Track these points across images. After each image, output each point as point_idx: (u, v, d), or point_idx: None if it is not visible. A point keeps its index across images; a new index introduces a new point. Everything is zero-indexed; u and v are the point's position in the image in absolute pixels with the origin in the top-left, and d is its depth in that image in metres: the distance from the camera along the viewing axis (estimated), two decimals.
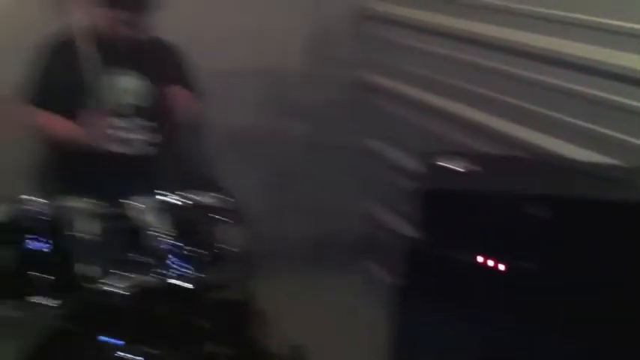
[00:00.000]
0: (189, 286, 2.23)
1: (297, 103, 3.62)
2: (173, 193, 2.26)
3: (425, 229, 2.43)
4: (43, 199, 2.10)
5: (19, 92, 2.75)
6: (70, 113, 2.75)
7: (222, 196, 2.35)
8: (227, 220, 2.38)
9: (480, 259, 2.27)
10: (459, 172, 2.43)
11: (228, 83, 3.38)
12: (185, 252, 2.20)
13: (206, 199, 2.34)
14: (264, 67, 3.50)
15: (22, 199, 2.11)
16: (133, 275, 2.14)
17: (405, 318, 2.49)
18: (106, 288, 2.08)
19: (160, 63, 2.88)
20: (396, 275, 3.35)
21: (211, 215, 2.32)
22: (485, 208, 2.36)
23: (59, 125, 2.75)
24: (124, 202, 2.23)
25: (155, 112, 2.88)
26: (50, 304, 2.02)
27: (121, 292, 2.10)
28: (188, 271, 2.20)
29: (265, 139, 3.59)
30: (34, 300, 1.99)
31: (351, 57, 3.65)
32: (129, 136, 2.85)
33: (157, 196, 2.25)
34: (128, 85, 2.83)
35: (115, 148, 2.81)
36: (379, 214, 3.76)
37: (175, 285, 2.19)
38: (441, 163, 2.48)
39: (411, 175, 3.37)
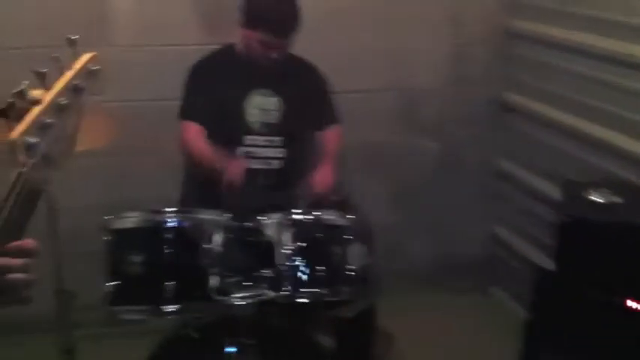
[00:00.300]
0: (312, 302, 2.23)
1: (432, 122, 3.55)
2: (302, 210, 2.26)
3: (560, 261, 2.33)
4: (177, 209, 2.15)
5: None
6: (213, 131, 2.83)
7: (350, 215, 2.33)
8: (354, 238, 2.36)
9: (618, 298, 2.14)
10: (600, 202, 2.31)
11: (364, 101, 3.37)
12: (310, 269, 2.20)
13: (334, 217, 2.33)
14: (401, 85, 3.45)
15: (156, 209, 2.18)
16: (258, 289, 2.16)
17: (530, 351, 2.39)
18: (231, 300, 2.10)
19: (299, 83, 2.91)
20: (522, 304, 3.23)
21: (338, 233, 2.32)
22: (628, 243, 2.22)
23: (201, 148, 2.78)
24: (254, 217, 2.26)
25: (292, 131, 2.92)
26: (177, 312, 2.07)
27: (246, 304, 2.12)
28: (312, 288, 2.20)
29: (398, 156, 3.54)
30: (163, 307, 2.04)
31: (490, 76, 3.54)
32: (265, 153, 2.89)
33: (287, 213, 2.26)
34: (267, 104, 2.88)
35: (251, 164, 2.87)
36: (508, 239, 3.63)
37: (299, 301, 2.20)
38: (582, 192, 2.36)
39: (548, 202, 3.25)
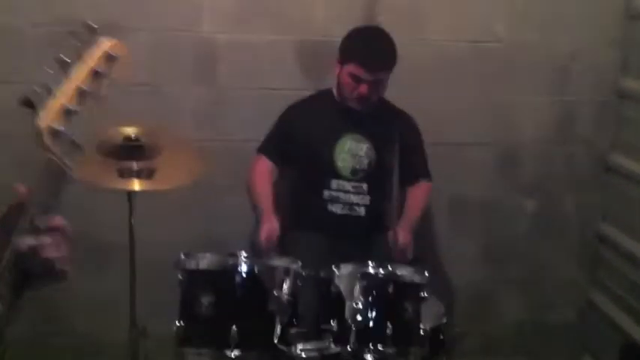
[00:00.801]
0: (377, 358, 2.17)
1: (531, 179, 3.41)
2: (377, 263, 2.22)
3: None
4: (250, 254, 2.16)
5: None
6: (302, 172, 2.90)
7: (426, 274, 2.26)
8: (429, 296, 2.29)
9: None
10: None
11: (461, 154, 3.30)
12: (379, 325, 2.15)
13: (409, 272, 2.27)
14: (501, 140, 3.35)
15: (231, 252, 2.20)
16: (323, 342, 2.13)
17: None
18: (295, 350, 2.08)
19: (392, 131, 2.88)
20: None
21: (412, 290, 2.26)
22: None
23: (259, 186, 2.87)
24: (326, 267, 2.24)
25: (380, 179, 2.90)
26: (241, 358, 2.06)
27: (309, 356, 2.09)
28: (379, 346, 2.14)
29: (492, 212, 3.43)
30: (227, 352, 2.04)
31: (596, 135, 3.37)
32: (351, 199, 2.88)
33: (360, 265, 2.22)
34: (358, 149, 2.87)
35: (335, 209, 2.86)
36: (603, 305, 3.42)
37: (365, 357, 2.15)
38: None
39: None
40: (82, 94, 1.08)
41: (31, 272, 1.00)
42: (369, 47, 2.76)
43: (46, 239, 1.00)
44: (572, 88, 3.32)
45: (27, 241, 0.98)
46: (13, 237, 0.98)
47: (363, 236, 2.84)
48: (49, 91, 1.06)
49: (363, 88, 2.73)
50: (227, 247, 2.99)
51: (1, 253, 0.97)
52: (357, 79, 2.73)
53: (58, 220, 1.03)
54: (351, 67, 2.72)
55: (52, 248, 1.01)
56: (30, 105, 1.05)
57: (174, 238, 2.99)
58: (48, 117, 1.04)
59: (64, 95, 1.06)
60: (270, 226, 2.66)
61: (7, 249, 0.97)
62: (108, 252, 3.03)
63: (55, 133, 1.04)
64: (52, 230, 1.01)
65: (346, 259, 2.30)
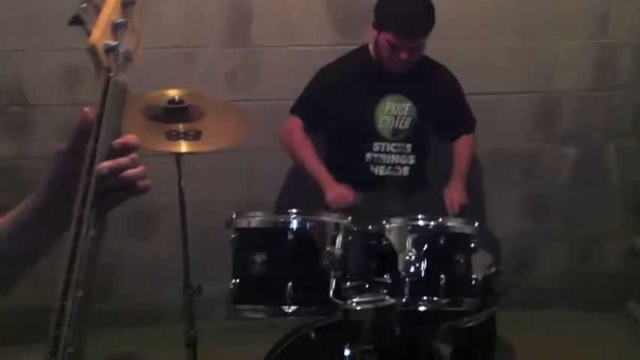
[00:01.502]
0: (432, 310, 2.19)
1: (571, 127, 3.36)
2: (426, 217, 2.21)
3: None
4: (300, 211, 2.16)
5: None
6: (341, 135, 2.88)
7: (475, 225, 2.25)
8: (479, 247, 2.29)
9: None
10: None
11: (498, 104, 3.26)
12: (432, 276, 2.15)
13: (459, 224, 2.27)
14: (539, 88, 3.29)
15: (279, 210, 2.21)
16: (377, 294, 2.14)
17: None
18: (350, 304, 2.09)
19: (433, 88, 2.86)
20: None
21: (463, 241, 2.25)
22: None
23: (304, 146, 2.86)
24: (377, 221, 2.24)
25: (423, 138, 2.88)
26: (297, 313, 2.08)
27: (365, 309, 2.11)
28: (433, 297, 2.15)
29: (532, 163, 3.40)
30: (283, 308, 2.06)
31: (636, 80, 3.31)
32: (393, 160, 2.87)
33: (410, 218, 2.22)
34: (399, 110, 2.84)
35: (378, 171, 2.85)
36: None
37: (419, 309, 2.16)
38: None
39: None
40: (124, 5, 1.06)
41: (114, 194, 1.01)
42: (407, 15, 2.67)
43: (124, 160, 1.00)
44: (611, 32, 3.24)
45: (106, 165, 0.98)
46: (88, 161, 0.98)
47: (408, 196, 2.84)
48: (95, 7, 1.03)
49: (404, 55, 2.68)
50: (268, 208, 3.04)
51: (87, 178, 0.97)
52: (396, 47, 2.68)
53: (129, 139, 1.02)
54: (388, 36, 2.67)
55: (130, 167, 1.01)
56: (79, 22, 1.02)
57: (217, 199, 3.01)
58: (99, 33, 1.00)
59: (109, 9, 1.04)
60: (336, 189, 2.68)
61: (90, 174, 0.97)
62: (157, 216, 3.07)
63: (108, 49, 1.01)
64: (126, 149, 1.01)
65: (394, 213, 2.31)
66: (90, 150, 0.98)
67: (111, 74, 1.01)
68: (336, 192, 2.67)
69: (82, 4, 1.03)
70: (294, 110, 2.91)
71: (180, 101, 2.29)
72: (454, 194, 2.80)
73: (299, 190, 3.05)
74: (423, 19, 2.67)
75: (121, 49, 1.04)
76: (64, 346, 0.90)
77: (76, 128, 1.02)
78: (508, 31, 3.18)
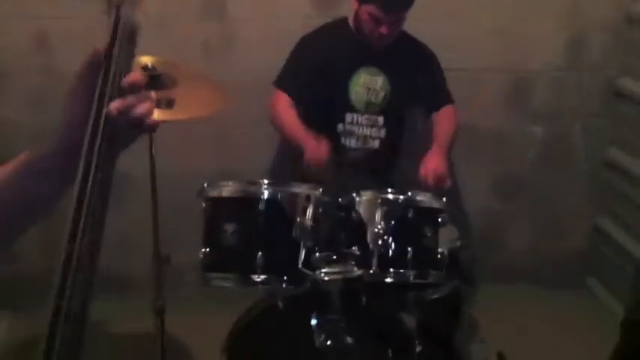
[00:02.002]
0: (399, 282, 2.23)
1: (541, 107, 3.42)
2: (396, 190, 2.25)
3: None
4: (272, 182, 2.18)
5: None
6: (314, 105, 2.86)
7: (444, 199, 2.30)
8: (446, 221, 2.33)
9: None
10: None
11: (471, 82, 3.29)
12: (399, 249, 2.19)
13: (427, 198, 2.30)
14: (511, 68, 3.34)
15: (253, 181, 2.22)
16: (346, 265, 2.17)
17: (627, 347, 2.29)
18: (319, 274, 2.12)
19: (409, 63, 2.88)
20: (620, 299, 3.10)
21: (431, 215, 2.29)
22: None
23: (288, 119, 2.81)
24: (347, 194, 2.27)
25: (395, 112, 2.89)
26: (266, 282, 2.11)
27: (333, 279, 2.14)
28: (400, 269, 2.20)
29: (502, 140, 3.45)
30: (253, 277, 2.09)
31: (606, 62, 3.37)
32: (365, 132, 2.88)
33: (380, 191, 2.25)
34: (373, 83, 2.86)
35: (349, 142, 2.87)
36: (611, 231, 3.48)
37: (386, 280, 2.20)
38: None
39: None
40: None
41: (123, 134, 0.97)
42: None
43: (132, 98, 0.96)
44: (582, 14, 3.30)
45: (115, 105, 0.94)
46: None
47: (377, 169, 2.87)
48: None
49: (384, 29, 2.70)
50: (240, 179, 3.04)
51: (96, 120, 0.93)
52: (377, 20, 2.69)
53: (135, 76, 0.98)
54: (370, 8, 2.68)
55: (138, 105, 0.97)
56: None
57: (190, 170, 3.02)
58: None
59: None
60: (316, 145, 2.62)
61: (100, 116, 0.93)
62: (127, 185, 3.06)
63: None
64: (134, 88, 0.97)
65: (364, 186, 2.34)
66: (99, 90, 0.94)
67: (120, 5, 0.98)
68: (313, 150, 2.62)
69: None
70: (279, 84, 2.87)
71: (154, 68, 2.28)
72: (430, 160, 2.65)
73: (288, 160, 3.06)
74: None
75: None
76: (70, 296, 0.87)
77: (86, 64, 0.99)
78: (483, 11, 3.21)
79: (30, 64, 2.97)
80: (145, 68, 2.27)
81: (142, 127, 0.98)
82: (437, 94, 2.99)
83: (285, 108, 2.82)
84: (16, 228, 1.09)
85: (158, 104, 2.22)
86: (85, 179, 0.90)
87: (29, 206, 1.07)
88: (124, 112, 0.95)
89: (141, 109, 0.97)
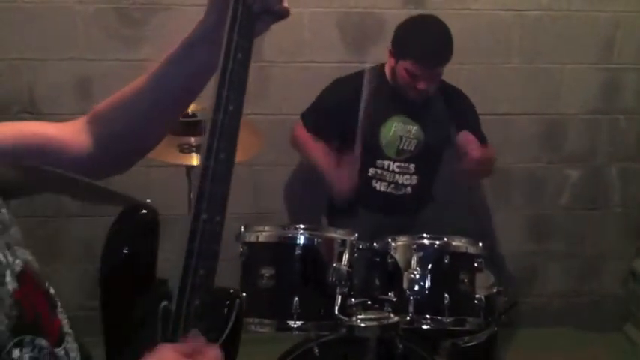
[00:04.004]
0: (435, 329, 2.22)
1: (577, 150, 3.41)
2: (431, 236, 2.25)
3: None
4: (308, 226, 2.20)
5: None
6: (345, 147, 2.84)
7: (480, 244, 2.29)
8: (483, 266, 2.32)
9: None
10: None
11: (505, 125, 3.31)
12: (436, 295, 2.19)
13: (463, 243, 2.30)
14: (546, 111, 3.34)
15: (289, 226, 2.24)
16: (382, 311, 2.17)
17: None
18: (355, 320, 2.12)
19: (443, 111, 2.87)
20: None
21: (467, 260, 2.29)
22: None
23: (312, 146, 2.84)
24: (383, 239, 2.27)
25: (427, 160, 2.90)
26: (302, 328, 2.11)
27: (369, 325, 2.13)
28: (437, 315, 2.19)
29: (537, 183, 3.44)
30: (289, 322, 2.09)
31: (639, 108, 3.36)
32: (396, 179, 2.89)
33: (415, 237, 2.26)
34: (405, 131, 2.85)
35: (380, 187, 2.89)
36: None
37: (420, 327, 2.20)
38: None
39: None
40: None
41: (260, 19, 1.07)
42: (426, 44, 2.69)
43: None
44: (617, 56, 3.29)
45: None
46: None
47: (409, 213, 2.87)
48: None
49: (422, 85, 2.70)
50: (276, 221, 3.07)
51: (235, 4, 1.02)
52: (414, 76, 2.69)
53: None
54: (407, 64, 2.68)
55: None
56: None
57: (227, 212, 3.04)
58: None
59: None
60: (343, 173, 2.66)
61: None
62: (165, 227, 3.10)
63: None
64: None
65: (398, 231, 2.34)
66: None
67: None
68: (337, 183, 2.68)
69: None
70: (303, 117, 2.92)
71: (194, 115, 2.33)
72: (469, 136, 2.64)
73: (312, 198, 3.10)
74: (442, 48, 2.68)
75: None
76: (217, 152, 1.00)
77: None
78: (515, 52, 3.22)
79: (72, 107, 3.04)
80: (185, 115, 2.32)
81: (275, 12, 1.09)
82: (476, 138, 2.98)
83: (308, 136, 2.86)
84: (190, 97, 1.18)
85: (198, 150, 2.27)
86: (227, 57, 1.02)
87: (194, 79, 1.15)
88: None
89: None
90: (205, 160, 1.00)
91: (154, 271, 1.05)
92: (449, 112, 2.88)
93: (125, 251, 1.02)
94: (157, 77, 1.14)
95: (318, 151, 2.81)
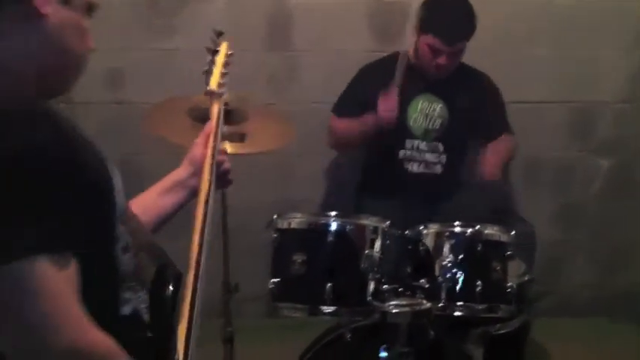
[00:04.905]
0: (467, 316, 2.22)
1: (606, 138, 3.38)
2: (464, 223, 2.25)
3: None
4: (340, 213, 2.21)
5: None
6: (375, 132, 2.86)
7: (512, 233, 2.28)
8: (515, 254, 2.32)
9: None
10: None
11: (535, 113, 3.28)
12: (468, 282, 2.19)
13: (496, 231, 2.29)
14: (576, 98, 3.32)
15: (321, 213, 2.25)
16: (414, 298, 2.18)
17: None
18: (387, 306, 2.13)
19: (467, 91, 2.89)
20: None
21: (499, 248, 2.28)
22: None
23: (346, 122, 2.89)
24: (414, 226, 2.28)
25: (455, 138, 2.91)
26: (334, 313, 2.13)
27: (401, 312, 2.14)
28: (469, 302, 2.19)
29: (566, 172, 3.42)
30: (322, 307, 2.11)
31: None
32: (426, 158, 2.91)
33: (447, 224, 2.26)
34: (431, 110, 2.89)
35: (411, 167, 2.90)
36: None
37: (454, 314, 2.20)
38: None
39: None
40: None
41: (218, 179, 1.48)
42: (448, 19, 2.74)
43: (224, 156, 1.53)
44: None
45: (221, 157, 1.54)
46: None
47: (442, 195, 2.88)
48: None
49: (442, 60, 2.73)
50: (304, 209, 3.08)
51: (212, 160, 1.46)
52: (435, 51, 2.72)
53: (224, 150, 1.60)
54: (429, 39, 2.72)
55: (225, 161, 1.54)
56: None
57: (254, 200, 3.06)
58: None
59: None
60: (386, 98, 2.72)
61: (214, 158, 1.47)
62: (187, 216, 3.12)
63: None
64: (223, 152, 1.54)
65: (430, 217, 2.36)
66: (212, 147, 1.51)
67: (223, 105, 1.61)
68: (383, 104, 2.72)
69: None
70: (336, 110, 2.96)
71: (226, 104, 2.34)
72: (488, 158, 2.82)
73: (343, 190, 3.10)
74: (464, 24, 2.73)
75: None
76: None
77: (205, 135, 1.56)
78: (545, 40, 3.20)
79: (103, 96, 3.08)
80: None
81: (226, 182, 1.59)
82: (495, 124, 2.99)
83: (344, 121, 2.89)
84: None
85: (231, 138, 2.28)
86: (207, 201, 1.41)
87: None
88: (221, 163, 1.52)
89: (226, 164, 1.56)
90: None
91: None
92: (473, 94, 2.89)
93: None
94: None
95: (355, 122, 2.84)
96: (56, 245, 0.95)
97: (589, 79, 3.28)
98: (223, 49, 1.77)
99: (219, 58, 1.69)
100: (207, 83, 1.62)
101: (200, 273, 1.29)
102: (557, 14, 3.17)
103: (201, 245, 1.32)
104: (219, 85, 1.62)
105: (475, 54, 2.86)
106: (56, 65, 1.08)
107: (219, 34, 1.70)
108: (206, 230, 1.35)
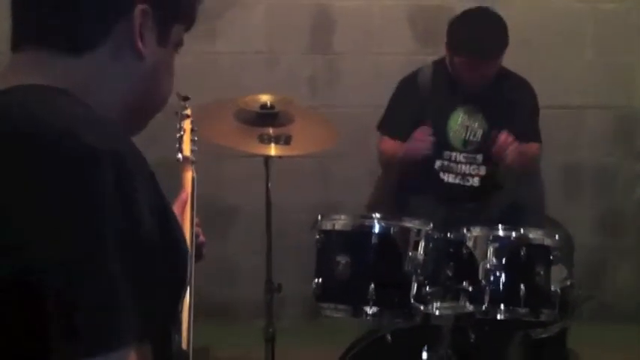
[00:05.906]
0: (510, 320, 2.22)
1: None
2: (507, 227, 2.25)
3: None
4: (384, 215, 2.23)
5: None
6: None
7: (556, 237, 2.28)
8: (557, 259, 2.31)
9: None
10: None
11: (576, 119, 3.27)
12: (511, 286, 2.19)
13: (539, 235, 2.29)
14: (617, 104, 3.30)
15: (365, 215, 2.27)
16: (457, 301, 2.19)
17: None
18: (430, 309, 2.14)
19: (507, 100, 2.86)
20: None
21: (543, 252, 2.28)
22: None
23: (394, 146, 2.89)
24: (458, 229, 2.29)
25: (488, 149, 2.90)
26: (377, 315, 2.14)
27: (444, 314, 2.15)
28: (512, 306, 2.19)
29: (607, 178, 3.39)
30: (365, 309, 2.12)
31: None
32: (463, 170, 2.90)
33: (491, 228, 2.26)
34: (471, 121, 2.87)
35: (447, 178, 2.90)
36: None
37: (495, 317, 2.20)
38: None
39: None
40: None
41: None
42: (476, 38, 2.70)
43: (197, 227, 1.35)
44: None
45: (198, 229, 1.37)
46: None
47: (480, 205, 2.88)
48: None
49: (475, 77, 2.74)
50: (344, 212, 3.10)
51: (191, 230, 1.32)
52: (467, 69, 2.72)
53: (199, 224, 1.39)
54: (459, 59, 2.72)
55: (200, 234, 1.37)
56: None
57: (295, 202, 3.09)
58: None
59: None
60: (420, 132, 2.74)
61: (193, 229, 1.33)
62: (239, 217, 3.16)
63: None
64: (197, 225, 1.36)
65: (468, 222, 2.36)
66: (191, 218, 1.36)
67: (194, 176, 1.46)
68: (416, 138, 2.75)
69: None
70: (382, 128, 2.96)
71: (272, 106, 2.38)
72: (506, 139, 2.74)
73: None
74: (491, 41, 2.70)
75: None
76: None
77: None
78: (588, 45, 3.19)
79: None
80: (263, 106, 2.37)
81: (200, 255, 1.38)
82: (527, 131, 2.96)
83: (394, 144, 2.89)
84: None
85: (277, 140, 2.32)
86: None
87: None
88: (197, 235, 1.36)
89: (202, 237, 1.39)
90: None
91: None
92: (513, 102, 2.88)
93: None
94: None
95: (399, 147, 2.85)
96: (148, 331, 0.80)
97: (632, 85, 3.25)
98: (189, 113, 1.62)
99: (187, 124, 1.57)
100: (179, 150, 1.50)
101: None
102: (601, 19, 3.14)
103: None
104: (192, 151, 1.52)
105: (519, 58, 2.86)
106: (142, 108, 1.03)
107: (185, 99, 1.58)
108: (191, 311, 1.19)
